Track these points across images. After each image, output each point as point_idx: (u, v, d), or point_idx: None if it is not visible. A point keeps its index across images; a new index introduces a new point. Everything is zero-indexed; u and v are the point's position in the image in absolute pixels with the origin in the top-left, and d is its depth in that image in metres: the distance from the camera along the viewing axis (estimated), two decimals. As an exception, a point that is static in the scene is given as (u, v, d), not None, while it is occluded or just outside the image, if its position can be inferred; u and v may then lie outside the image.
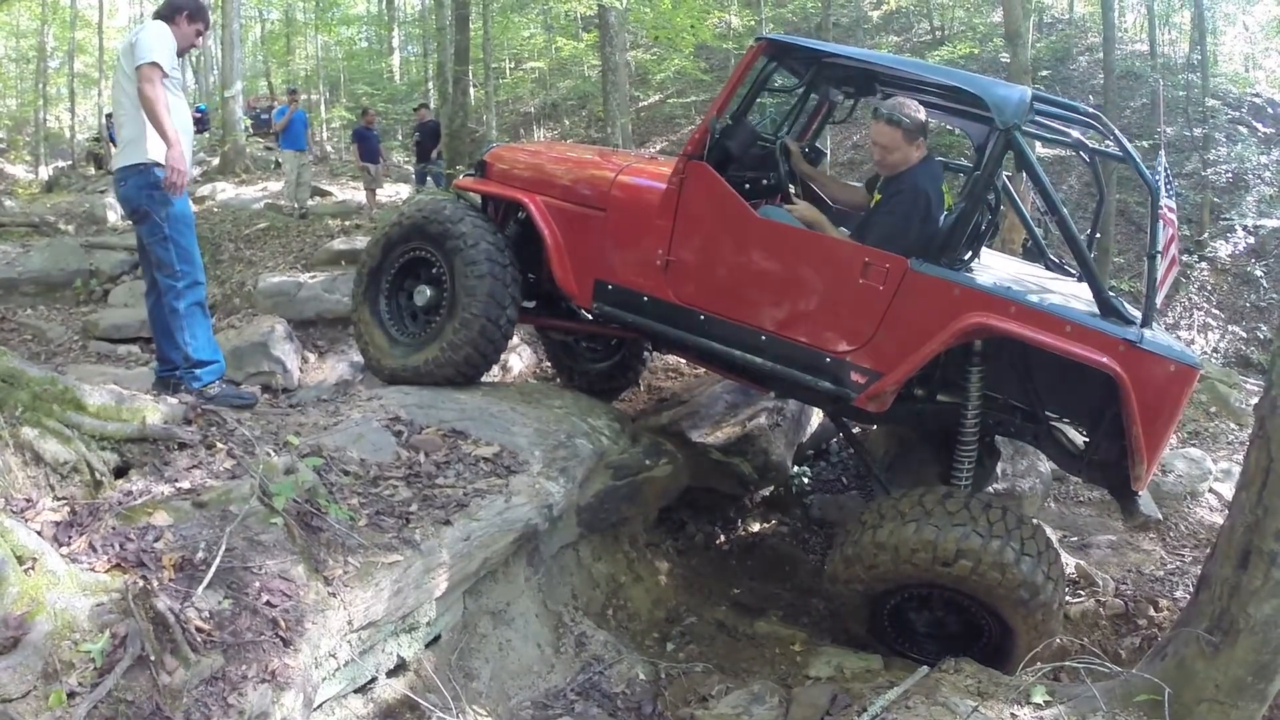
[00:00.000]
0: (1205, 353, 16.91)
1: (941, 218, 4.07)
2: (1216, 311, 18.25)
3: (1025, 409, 4.27)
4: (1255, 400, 7.84)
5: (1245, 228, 19.40)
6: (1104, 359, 3.57)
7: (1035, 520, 4.05)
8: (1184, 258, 19.04)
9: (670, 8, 16.68)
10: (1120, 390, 3.58)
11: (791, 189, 4.66)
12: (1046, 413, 4.20)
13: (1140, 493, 3.95)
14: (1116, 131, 4.35)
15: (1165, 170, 4.19)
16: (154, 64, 4.29)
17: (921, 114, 4.11)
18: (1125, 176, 19.69)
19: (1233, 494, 3.74)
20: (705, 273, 4.33)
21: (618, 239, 4.53)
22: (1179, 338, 17.52)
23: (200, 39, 4.76)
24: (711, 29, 19.39)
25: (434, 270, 4.85)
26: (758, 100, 4.96)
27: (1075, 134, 4.48)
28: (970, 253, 4.07)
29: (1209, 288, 18.78)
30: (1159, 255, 3.84)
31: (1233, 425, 8.66)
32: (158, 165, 4.40)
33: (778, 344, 4.19)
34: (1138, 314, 3.77)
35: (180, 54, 4.58)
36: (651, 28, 18.50)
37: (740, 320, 4.27)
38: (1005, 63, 15.58)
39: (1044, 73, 22.07)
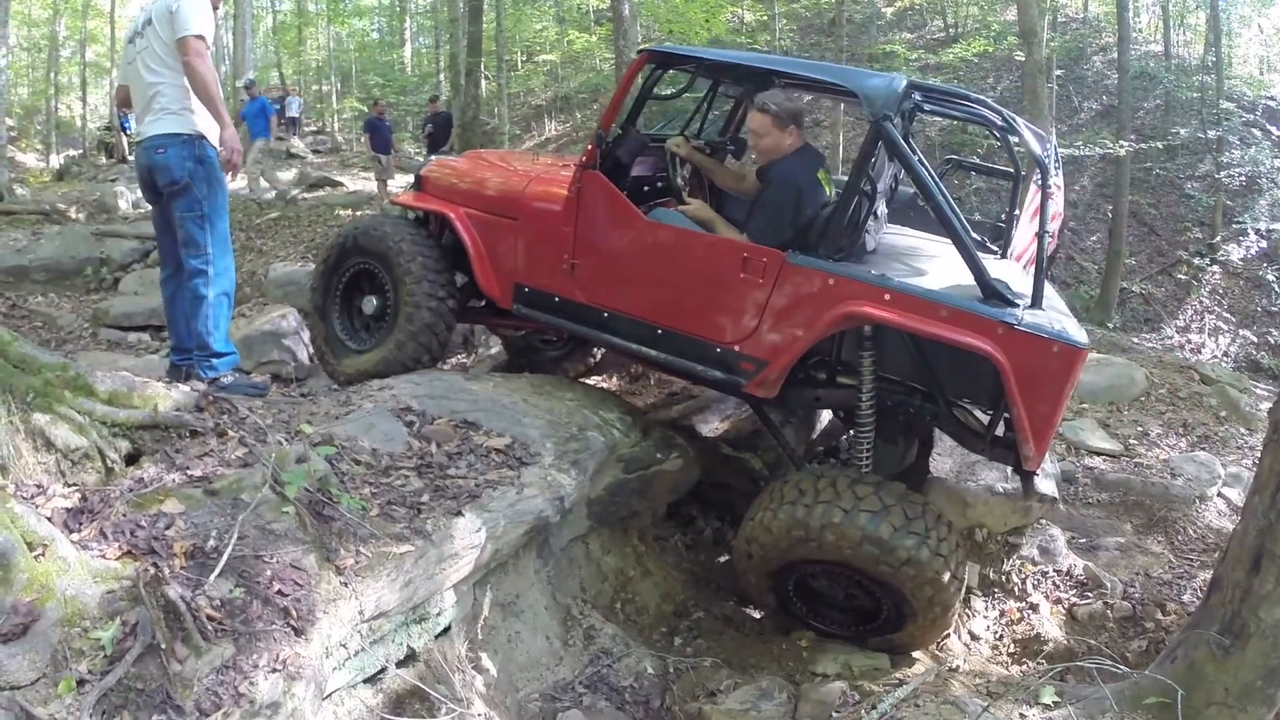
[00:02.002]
0: (1215, 356, 16.85)
1: (822, 206, 4.18)
2: (1228, 315, 18.19)
3: (923, 390, 4.33)
4: (1266, 405, 7.75)
5: (1258, 231, 19.33)
6: (978, 342, 3.61)
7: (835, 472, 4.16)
8: (1196, 260, 19.00)
9: (684, 1, 16.66)
10: (1000, 372, 3.60)
11: (684, 189, 4.91)
12: (947, 394, 4.25)
13: (1037, 472, 4.01)
14: (1006, 112, 4.47)
15: (1053, 147, 4.25)
16: (200, 36, 4.15)
17: (793, 103, 4.30)
18: (1138, 178, 19.65)
19: (1244, 498, 3.72)
20: (605, 274, 4.59)
21: (530, 245, 4.81)
22: (1189, 340, 17.46)
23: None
24: (725, 23, 19.35)
25: (378, 280, 5.17)
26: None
27: (993, 116, 4.52)
28: (851, 241, 4.13)
29: (1220, 291, 18.72)
30: (1049, 234, 3.88)
31: (1242, 430, 8.60)
32: (203, 138, 4.31)
33: (672, 337, 4.42)
34: (1027, 294, 3.78)
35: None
36: (665, 21, 18.49)
37: (638, 316, 4.50)
38: (1019, 61, 15.51)
39: (1058, 72, 21.98)
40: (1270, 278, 18.45)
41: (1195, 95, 22.00)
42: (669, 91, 5.85)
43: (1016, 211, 5.11)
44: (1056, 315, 3.74)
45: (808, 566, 4.14)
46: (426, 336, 4.93)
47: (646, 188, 5.11)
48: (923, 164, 4.00)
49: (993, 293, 3.70)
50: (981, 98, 4.71)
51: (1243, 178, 19.88)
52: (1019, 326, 3.57)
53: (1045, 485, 4.07)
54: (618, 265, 4.55)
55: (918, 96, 4.21)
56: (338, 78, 34.37)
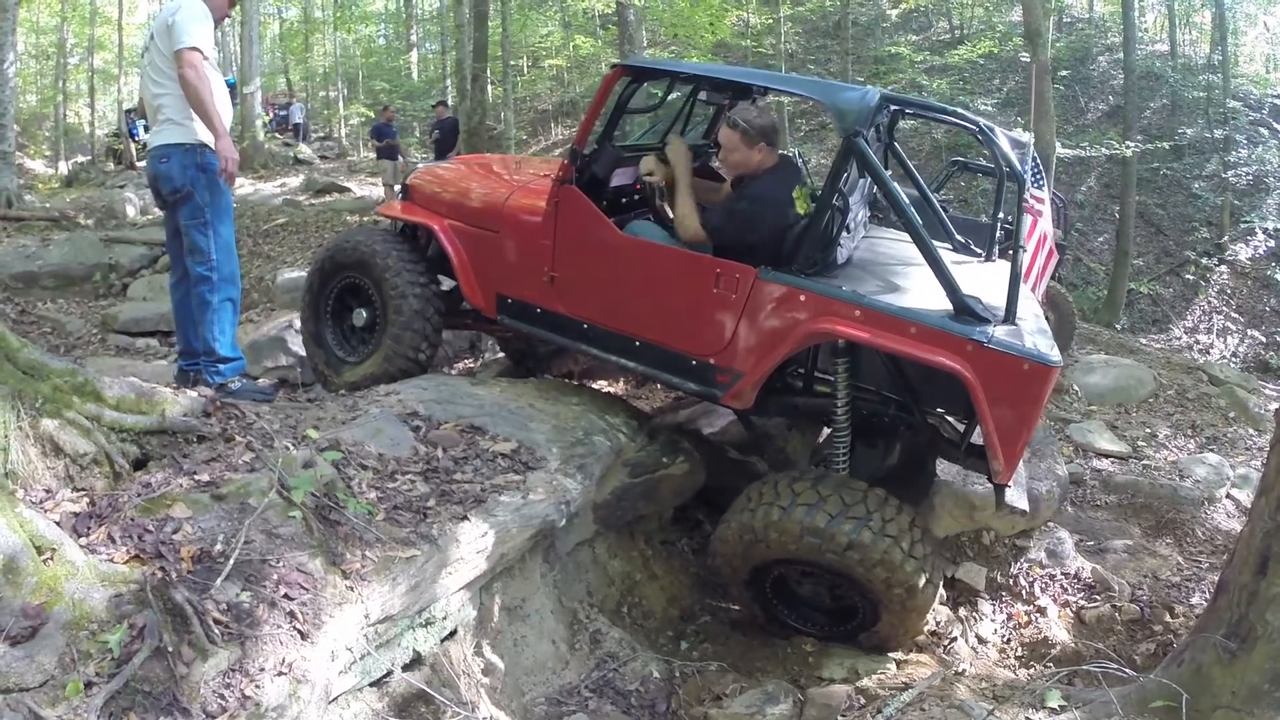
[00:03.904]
0: (1224, 357, 16.78)
1: (795, 223, 4.20)
2: (1236, 315, 18.12)
3: (899, 399, 4.38)
4: (1274, 405, 7.73)
5: (1266, 231, 19.26)
6: (947, 360, 3.62)
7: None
8: (1203, 260, 18.93)
9: (688, 6, 16.66)
10: (969, 389, 3.61)
11: (659, 199, 4.89)
12: (922, 404, 4.29)
13: (1009, 485, 3.99)
14: (983, 122, 4.51)
15: (1034, 160, 4.23)
16: (194, 48, 4.24)
17: (764, 119, 4.31)
18: (1145, 178, 19.61)
19: (1251, 500, 3.71)
20: (584, 286, 4.65)
21: (511, 257, 4.88)
22: (1197, 341, 17.39)
23: (233, 9, 4.75)
24: (730, 27, 19.34)
25: (363, 292, 5.25)
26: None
27: (970, 126, 4.59)
28: (824, 256, 4.19)
29: (1228, 291, 18.65)
30: (1023, 249, 3.88)
31: (1251, 431, 8.58)
32: (205, 147, 4.39)
33: (650, 350, 4.48)
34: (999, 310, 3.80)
35: (215, 24, 4.51)
36: (670, 25, 18.49)
37: (617, 329, 4.57)
38: (1025, 62, 15.49)
39: (1064, 72, 21.93)
40: (1278, 277, 18.37)
41: (1201, 95, 21.95)
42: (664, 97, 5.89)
43: (1001, 214, 5.11)
44: (1029, 331, 3.75)
45: (772, 570, 4.20)
46: (419, 323, 4.98)
47: (625, 199, 5.17)
48: (908, 172, 3.99)
49: (964, 309, 3.73)
50: (958, 110, 4.76)
51: (1250, 177, 19.82)
52: (989, 344, 3.59)
53: (1017, 499, 4.09)
54: (595, 278, 4.61)
55: (893, 108, 4.22)
56: (344, 84, 34.43)
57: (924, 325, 3.71)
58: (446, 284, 5.25)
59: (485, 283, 4.96)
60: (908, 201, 3.96)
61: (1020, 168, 4.15)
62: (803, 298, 3.96)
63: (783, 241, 4.16)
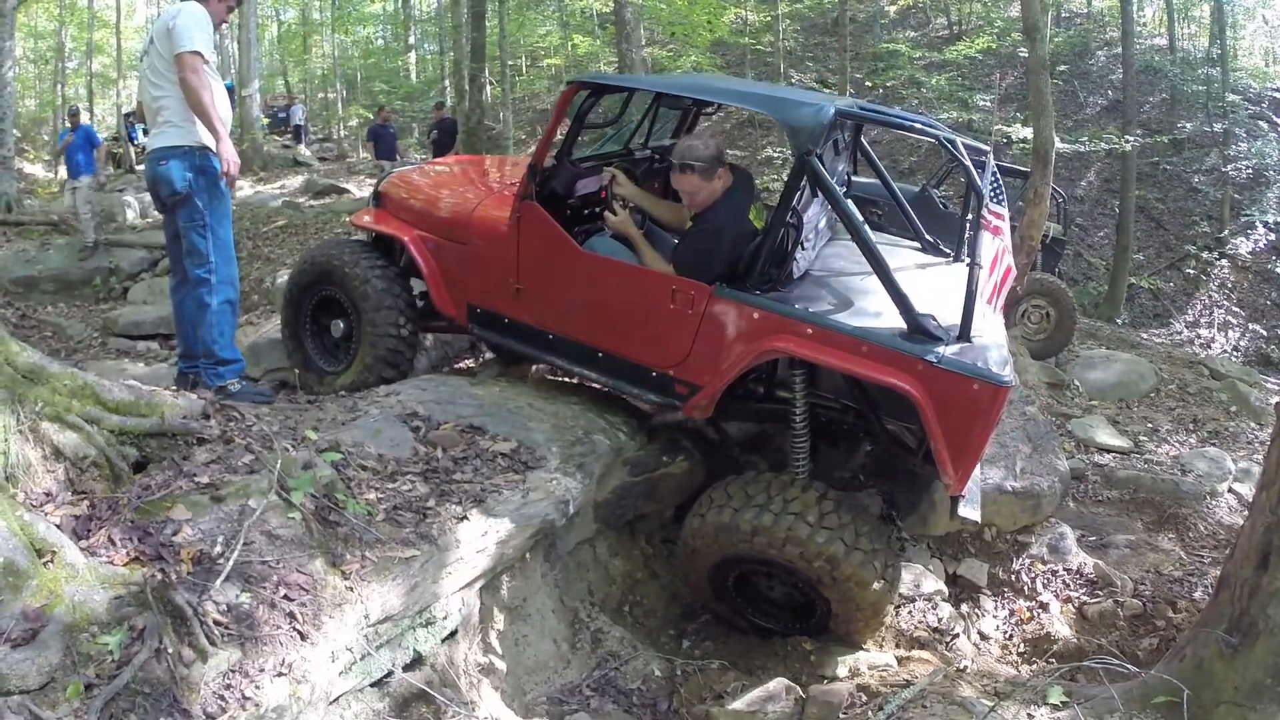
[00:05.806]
0: (1225, 351, 16.77)
1: (752, 240, 4.24)
2: (1237, 309, 18.11)
3: (857, 408, 4.42)
4: (1276, 399, 7.75)
5: (1266, 224, 19.24)
6: (896, 380, 3.65)
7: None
8: (1204, 254, 18.91)
9: (686, 4, 16.67)
10: (918, 408, 3.63)
11: (617, 204, 4.90)
12: (880, 414, 4.31)
13: (962, 495, 3.99)
14: (943, 134, 4.53)
15: (994, 174, 4.19)
16: (196, 52, 4.25)
17: (709, 148, 4.35)
18: (1144, 173, 19.60)
19: (1253, 494, 3.71)
20: (548, 299, 4.74)
21: (478, 268, 4.95)
22: (1199, 335, 17.38)
23: (230, 14, 4.76)
24: (728, 25, 19.35)
25: (335, 303, 5.35)
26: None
27: (937, 134, 4.63)
28: (779, 272, 4.21)
29: (1229, 285, 18.63)
30: (979, 266, 3.86)
31: (1253, 424, 8.58)
32: (206, 150, 4.39)
33: (612, 361, 4.57)
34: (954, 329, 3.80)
35: (214, 29, 4.50)
36: (668, 24, 18.49)
37: (580, 340, 4.65)
38: (1023, 57, 15.49)
39: (1062, 67, 21.91)
40: (1279, 270, 18.36)
41: (1200, 89, 21.93)
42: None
43: (970, 216, 5.12)
44: (983, 350, 3.75)
45: (722, 575, 4.26)
46: (389, 299, 5.06)
47: (587, 210, 5.22)
48: (879, 174, 3.92)
49: (917, 328, 3.75)
50: (922, 122, 4.81)
51: (1249, 170, 19.82)
52: (939, 364, 3.60)
53: (969, 510, 4.11)
54: (558, 291, 4.68)
55: (853, 122, 4.21)
56: (343, 85, 34.43)
57: (874, 344, 3.75)
58: (419, 286, 5.31)
59: (455, 293, 5.03)
60: (861, 219, 4.01)
61: (979, 181, 4.15)
62: (756, 315, 4.01)
63: (738, 258, 4.20)
